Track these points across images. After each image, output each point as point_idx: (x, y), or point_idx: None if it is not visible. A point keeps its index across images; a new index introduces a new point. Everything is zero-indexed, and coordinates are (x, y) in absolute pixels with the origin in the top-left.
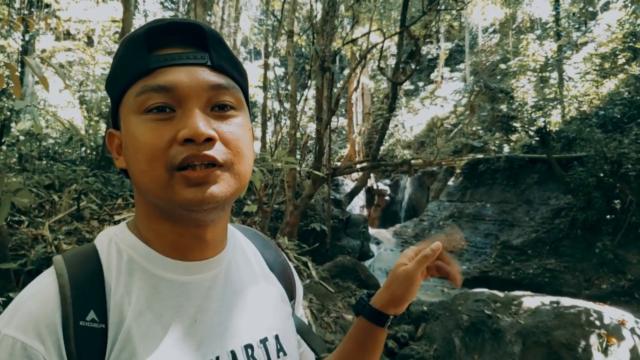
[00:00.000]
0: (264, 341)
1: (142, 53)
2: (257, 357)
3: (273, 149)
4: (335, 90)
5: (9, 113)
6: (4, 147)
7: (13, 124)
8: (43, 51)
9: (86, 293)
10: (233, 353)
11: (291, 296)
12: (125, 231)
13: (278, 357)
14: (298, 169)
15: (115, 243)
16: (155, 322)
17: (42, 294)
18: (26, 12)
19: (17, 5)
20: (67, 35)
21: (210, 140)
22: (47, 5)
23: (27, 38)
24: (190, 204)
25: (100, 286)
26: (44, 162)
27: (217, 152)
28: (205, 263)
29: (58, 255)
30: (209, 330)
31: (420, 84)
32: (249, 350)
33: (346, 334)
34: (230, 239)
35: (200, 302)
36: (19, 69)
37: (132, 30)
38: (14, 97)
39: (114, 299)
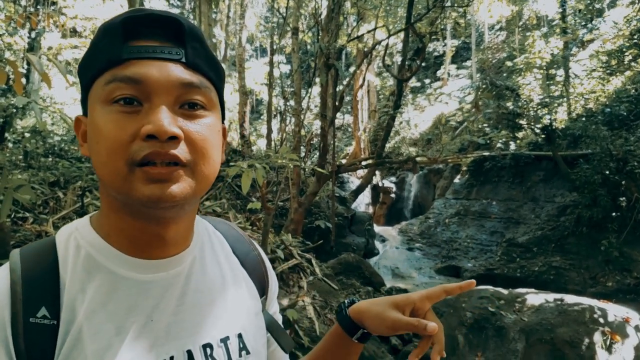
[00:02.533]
0: (224, 340)
1: (116, 42)
2: (217, 356)
3: (278, 146)
4: (340, 87)
5: (14, 110)
6: (9, 144)
7: (19, 121)
8: (49, 48)
9: (38, 289)
10: (190, 353)
11: (262, 292)
12: (87, 226)
13: (240, 356)
14: (302, 166)
15: (75, 238)
16: (108, 321)
17: None
18: (32, 9)
19: (23, 2)
20: (74, 32)
21: (174, 139)
22: (54, 3)
23: (33, 35)
24: (148, 201)
25: (55, 282)
26: (50, 159)
27: (181, 151)
28: (165, 261)
29: (16, 249)
30: (164, 329)
31: (427, 81)
32: (208, 350)
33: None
34: (198, 235)
35: (158, 301)
36: (25, 66)
37: None
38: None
39: (67, 295)
